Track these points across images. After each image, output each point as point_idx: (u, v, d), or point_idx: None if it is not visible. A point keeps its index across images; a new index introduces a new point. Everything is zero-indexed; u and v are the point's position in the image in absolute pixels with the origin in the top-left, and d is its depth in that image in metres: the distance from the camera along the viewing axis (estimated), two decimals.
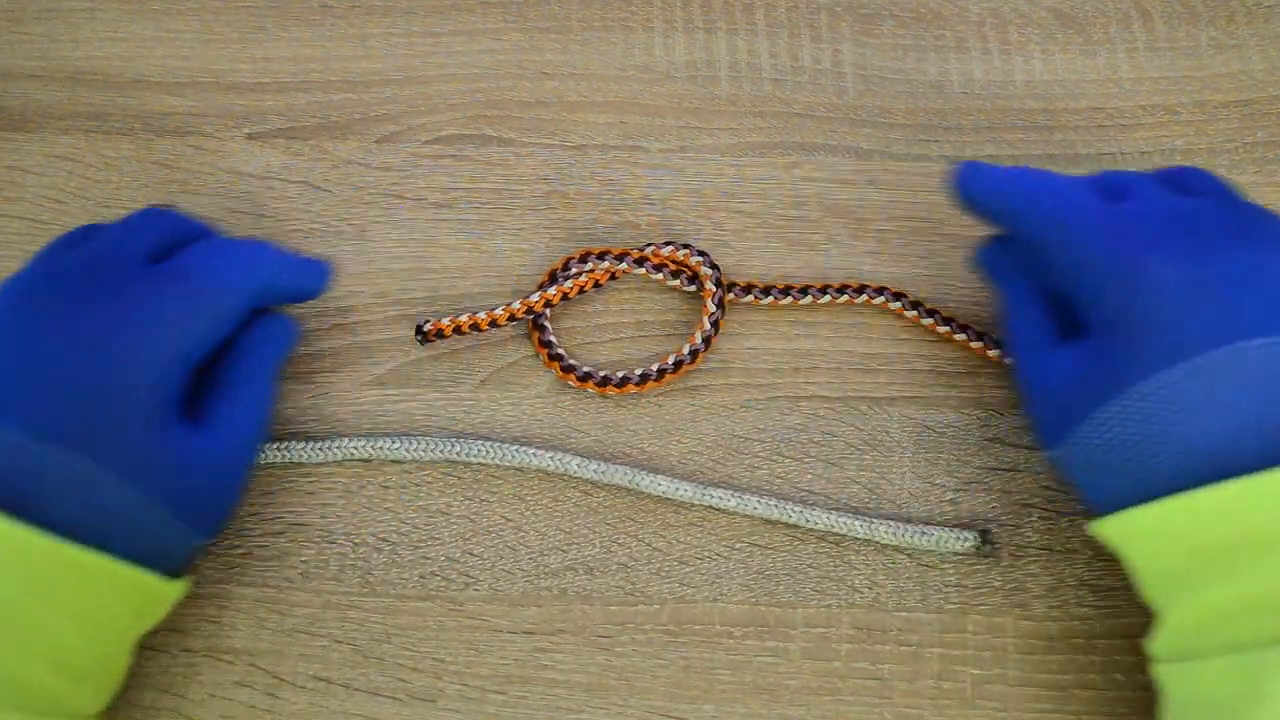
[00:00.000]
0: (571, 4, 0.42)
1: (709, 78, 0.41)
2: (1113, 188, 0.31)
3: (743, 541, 0.35)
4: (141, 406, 0.29)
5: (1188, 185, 0.31)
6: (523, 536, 0.35)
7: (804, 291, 0.37)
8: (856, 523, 0.34)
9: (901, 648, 0.34)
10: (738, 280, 0.37)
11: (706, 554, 0.35)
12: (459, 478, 0.36)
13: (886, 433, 0.36)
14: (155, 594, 0.30)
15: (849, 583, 0.35)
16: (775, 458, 0.36)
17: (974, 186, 0.33)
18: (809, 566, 0.35)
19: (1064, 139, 0.40)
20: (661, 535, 0.35)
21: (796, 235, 0.39)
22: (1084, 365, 0.30)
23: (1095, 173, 0.32)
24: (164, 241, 0.32)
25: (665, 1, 0.42)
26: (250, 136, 0.40)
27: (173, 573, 0.31)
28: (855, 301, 0.37)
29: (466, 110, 0.41)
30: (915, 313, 0.37)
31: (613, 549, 0.35)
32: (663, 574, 0.35)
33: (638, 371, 0.36)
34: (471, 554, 0.35)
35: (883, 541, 0.34)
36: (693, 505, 0.35)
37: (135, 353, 0.29)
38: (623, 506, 0.35)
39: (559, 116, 0.41)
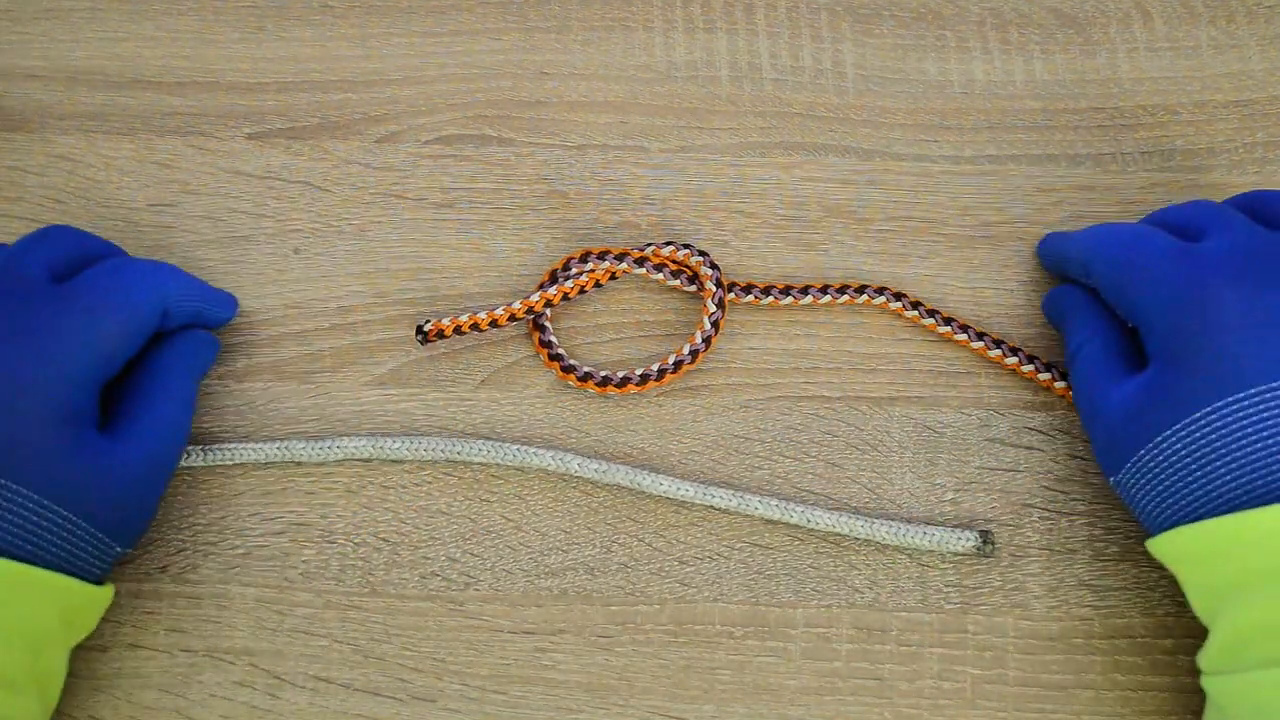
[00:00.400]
0: (571, 4, 0.42)
1: (709, 78, 0.41)
2: (1193, 224, 0.33)
3: (743, 541, 0.35)
4: (51, 425, 0.29)
5: (1268, 214, 0.33)
6: (523, 536, 0.35)
7: (804, 291, 0.37)
8: (858, 523, 0.34)
9: (901, 648, 0.34)
10: (738, 280, 0.37)
11: (706, 554, 0.35)
12: (459, 478, 0.36)
13: (887, 433, 0.36)
14: (82, 600, 0.30)
15: (849, 583, 0.35)
16: (775, 458, 0.36)
17: (1055, 247, 0.37)
18: (809, 566, 0.35)
19: (1064, 139, 0.40)
20: (661, 535, 0.35)
21: (796, 235, 0.39)
22: (1148, 393, 0.31)
23: (1169, 204, 0.34)
24: (67, 259, 0.33)
25: (665, 1, 0.42)
26: (250, 136, 0.40)
27: (95, 580, 0.31)
28: (855, 301, 0.37)
29: (466, 110, 0.41)
30: (915, 313, 0.37)
31: (613, 549, 0.35)
32: (663, 574, 0.35)
33: (638, 371, 0.36)
34: (472, 554, 0.35)
35: (883, 542, 0.34)
36: (693, 505, 0.35)
37: (40, 373, 0.29)
38: (623, 506, 0.35)
39: (559, 116, 0.41)
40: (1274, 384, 0.28)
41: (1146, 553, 0.35)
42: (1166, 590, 0.34)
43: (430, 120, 0.40)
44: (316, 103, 0.41)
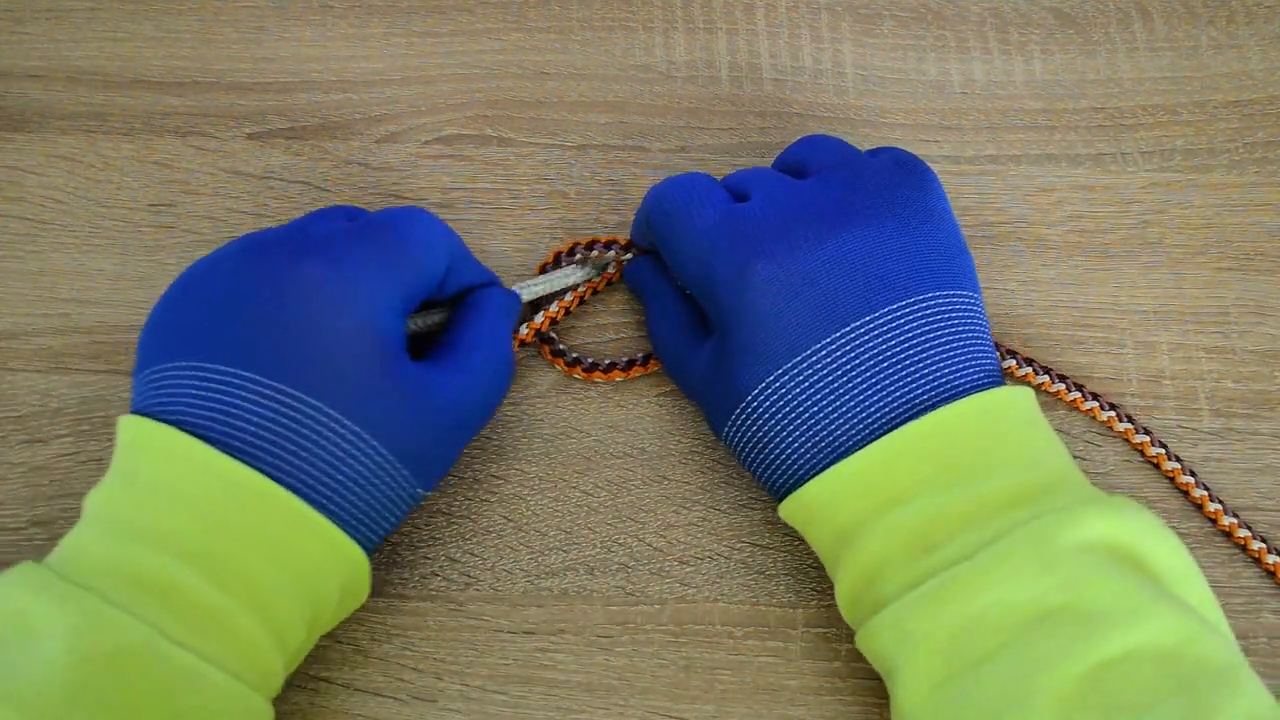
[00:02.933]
0: (571, 4, 0.42)
1: (709, 78, 0.41)
2: (741, 185, 0.33)
3: (743, 541, 0.35)
4: (368, 349, 0.29)
5: (807, 161, 0.33)
6: (523, 536, 0.35)
7: None
8: None
9: None
10: None
11: (707, 554, 0.35)
12: (459, 477, 0.36)
13: None
14: (358, 581, 0.30)
15: None
16: None
17: (641, 215, 0.35)
18: (809, 566, 0.35)
19: (1064, 139, 0.40)
20: (661, 535, 0.35)
21: None
22: (714, 365, 0.32)
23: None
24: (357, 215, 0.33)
25: (665, 1, 0.42)
26: (250, 136, 0.40)
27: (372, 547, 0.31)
28: None
29: (466, 110, 0.41)
30: None
31: (613, 549, 0.35)
32: (663, 574, 0.35)
33: (641, 353, 0.36)
34: (471, 554, 0.35)
35: None
36: (693, 505, 0.35)
37: (347, 297, 0.29)
38: (623, 506, 0.35)
39: (559, 116, 0.41)
40: (810, 350, 0.29)
41: None
42: None
43: (430, 120, 0.40)
44: (316, 103, 0.41)
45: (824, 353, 0.29)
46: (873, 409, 0.29)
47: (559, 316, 0.36)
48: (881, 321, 0.29)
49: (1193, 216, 0.39)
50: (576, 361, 0.36)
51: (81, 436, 0.36)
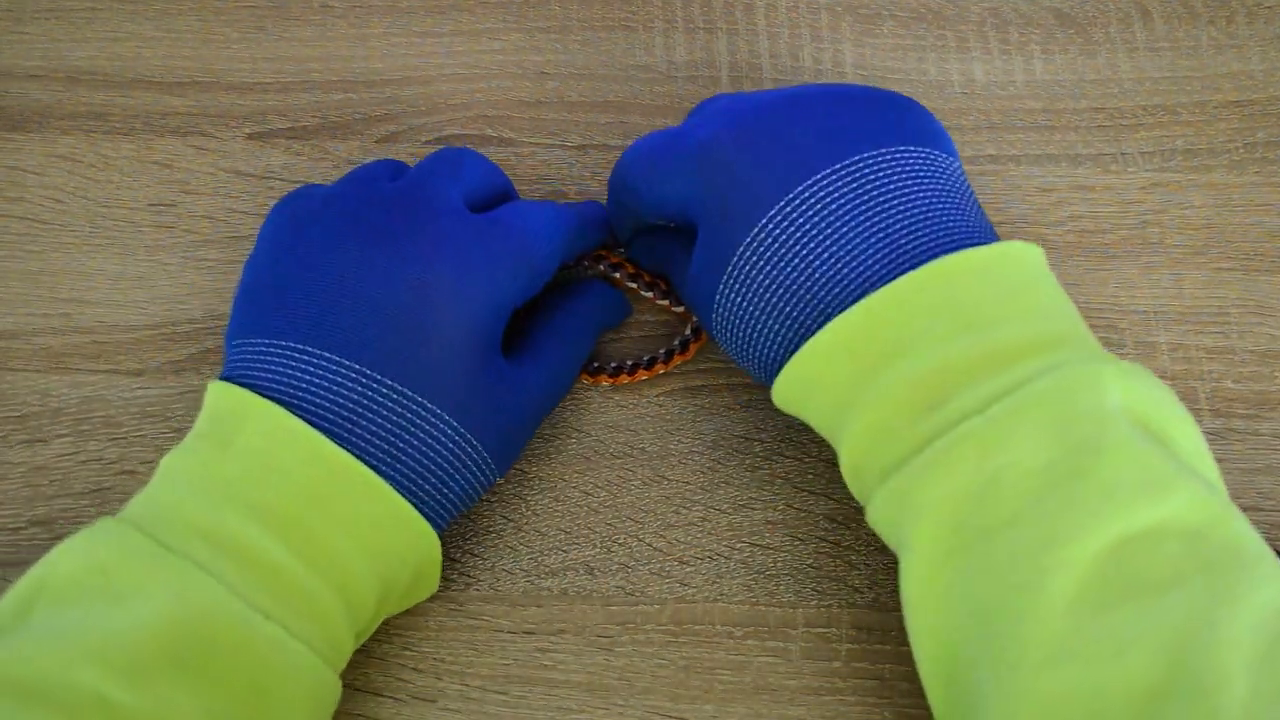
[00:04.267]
0: (571, 4, 0.42)
1: (709, 78, 0.41)
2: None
3: (743, 541, 0.35)
4: (468, 347, 0.30)
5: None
6: (523, 536, 0.35)
7: None
8: None
9: (901, 648, 0.34)
10: None
11: (706, 554, 0.35)
12: None
13: None
14: (429, 566, 0.31)
15: (849, 583, 0.35)
16: (776, 457, 0.36)
17: (610, 203, 0.35)
18: (809, 566, 0.35)
19: (1064, 139, 0.40)
20: (661, 535, 0.35)
21: None
22: (700, 260, 0.31)
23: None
24: (477, 188, 0.33)
25: (665, 1, 0.42)
26: (251, 136, 0.40)
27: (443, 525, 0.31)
28: None
29: (466, 110, 0.41)
30: None
31: (613, 549, 0.35)
32: (663, 574, 0.35)
33: (645, 356, 0.36)
34: (471, 554, 0.35)
35: None
36: (693, 505, 0.35)
37: (464, 296, 0.30)
38: (623, 506, 0.35)
39: (559, 116, 0.41)
40: (781, 203, 0.28)
41: None
42: None
43: (430, 120, 0.40)
44: (316, 103, 0.41)
45: (796, 203, 0.28)
46: (859, 262, 0.27)
47: None
48: (856, 167, 0.28)
49: (1193, 216, 0.39)
50: (599, 370, 0.36)
51: (81, 436, 0.36)
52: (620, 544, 0.35)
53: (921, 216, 0.28)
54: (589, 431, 0.36)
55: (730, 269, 0.29)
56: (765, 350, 0.30)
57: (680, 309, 0.37)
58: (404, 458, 0.29)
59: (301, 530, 0.27)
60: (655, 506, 0.35)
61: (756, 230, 0.29)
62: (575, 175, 0.40)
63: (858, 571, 0.35)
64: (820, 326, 0.28)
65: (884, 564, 0.35)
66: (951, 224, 0.28)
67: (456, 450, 0.30)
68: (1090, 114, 0.41)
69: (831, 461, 0.36)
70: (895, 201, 0.28)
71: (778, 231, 0.28)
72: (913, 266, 0.27)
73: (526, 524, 0.35)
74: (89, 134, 0.40)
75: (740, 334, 0.30)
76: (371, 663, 0.33)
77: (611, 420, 0.36)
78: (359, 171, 0.33)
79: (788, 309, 0.29)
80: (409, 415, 0.29)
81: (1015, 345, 0.26)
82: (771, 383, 0.30)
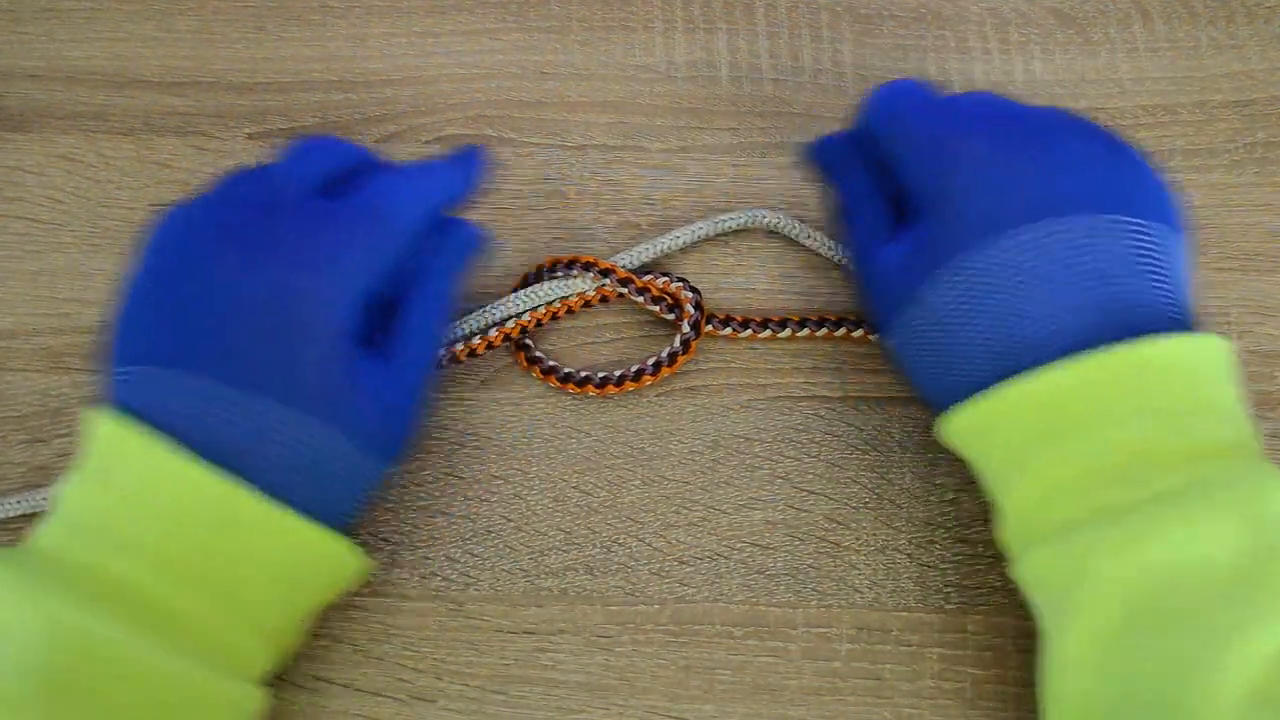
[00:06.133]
0: (571, 4, 0.42)
1: (709, 78, 0.41)
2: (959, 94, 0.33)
3: (743, 541, 0.35)
4: (327, 346, 0.29)
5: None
6: (523, 536, 0.35)
7: (782, 324, 0.37)
8: None
9: (901, 648, 0.34)
10: (717, 313, 0.37)
11: (706, 554, 0.35)
12: (459, 478, 0.36)
13: (887, 433, 0.36)
14: (347, 563, 0.30)
15: (849, 583, 0.35)
16: (776, 458, 0.36)
17: (872, 103, 0.34)
18: (809, 566, 0.35)
19: None
20: (661, 535, 0.35)
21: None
22: (913, 247, 0.31)
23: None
24: (334, 173, 0.32)
25: (665, 1, 0.42)
26: (250, 136, 0.40)
27: (350, 518, 0.31)
28: (834, 335, 0.37)
29: (466, 110, 0.41)
30: None
31: (613, 549, 0.35)
32: (663, 574, 0.35)
33: (616, 373, 0.36)
34: (471, 554, 0.35)
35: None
36: (693, 505, 0.35)
37: (318, 294, 0.29)
38: (623, 506, 0.35)
39: (559, 116, 0.41)
40: (1018, 230, 0.28)
41: None
42: None
43: (430, 120, 0.40)
44: (316, 103, 0.41)
45: (1041, 236, 0.28)
46: (1078, 319, 0.28)
47: (530, 325, 0.36)
48: (1107, 226, 0.28)
49: (1193, 216, 0.39)
50: (552, 370, 0.36)
51: (81, 436, 0.36)
52: (620, 544, 0.35)
53: (1147, 292, 0.28)
54: (589, 432, 0.36)
55: (946, 271, 0.29)
56: (953, 366, 0.30)
57: (672, 317, 0.37)
58: (279, 467, 0.28)
59: (181, 558, 0.27)
60: (655, 506, 0.35)
61: (989, 246, 0.29)
62: (575, 175, 0.40)
63: (858, 571, 0.35)
64: (1022, 369, 0.28)
65: (884, 564, 0.35)
66: (1167, 305, 0.29)
67: (329, 453, 0.29)
68: (1090, 114, 0.41)
69: (832, 461, 0.36)
70: (1127, 271, 0.28)
71: (1010, 256, 0.28)
72: (1124, 338, 0.27)
73: (526, 524, 0.35)
74: (89, 134, 0.40)
75: (928, 339, 0.30)
76: (371, 663, 0.33)
77: (611, 420, 0.36)
78: (222, 181, 0.32)
79: (990, 338, 0.29)
80: (280, 426, 0.28)
81: (1212, 445, 0.27)
82: (937, 396, 0.30)
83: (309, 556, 0.29)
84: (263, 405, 0.28)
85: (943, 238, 0.30)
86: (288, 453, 0.28)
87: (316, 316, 0.29)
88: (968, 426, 0.30)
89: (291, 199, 0.30)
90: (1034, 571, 0.29)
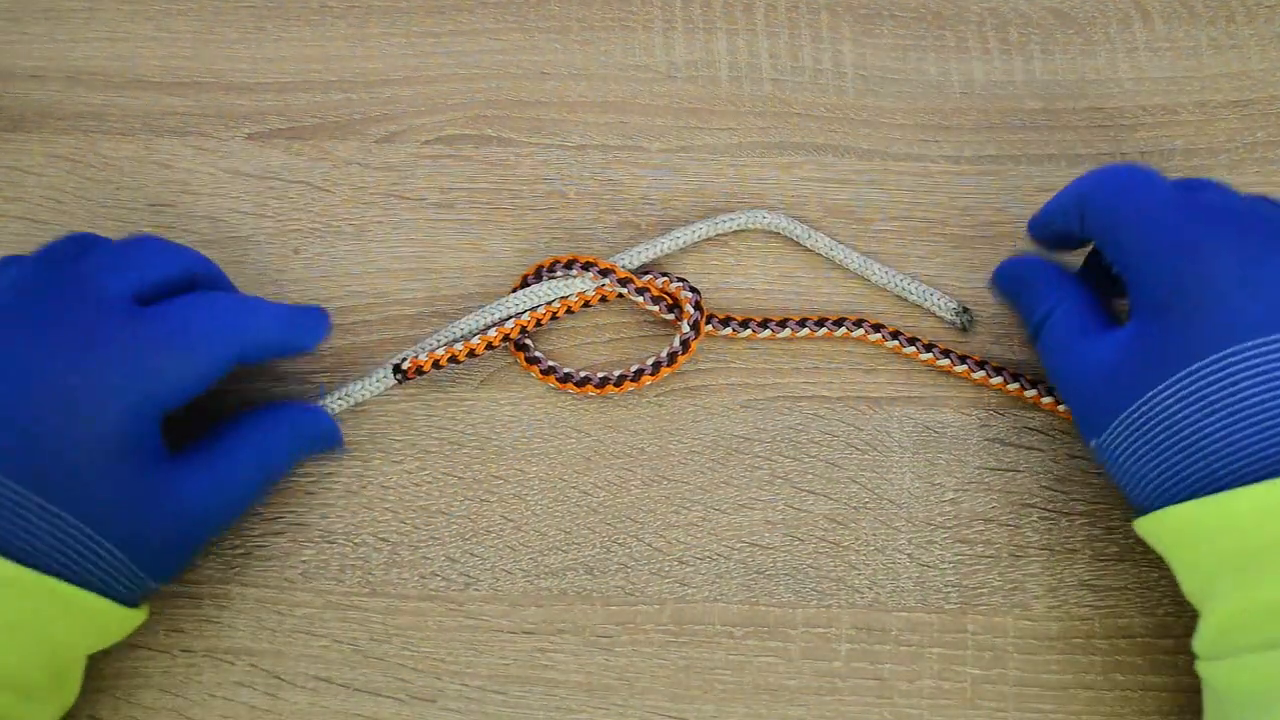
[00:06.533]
0: (571, 4, 0.42)
1: (709, 78, 0.41)
2: (1187, 181, 0.32)
3: (743, 541, 0.35)
4: (100, 451, 0.28)
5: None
6: (523, 536, 0.35)
7: (782, 324, 0.37)
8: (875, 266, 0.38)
9: (901, 648, 0.34)
10: (716, 313, 0.37)
11: (706, 554, 0.35)
12: (459, 477, 0.36)
13: (887, 433, 0.36)
14: (112, 620, 0.30)
15: (849, 583, 0.35)
16: (775, 458, 0.36)
17: (1048, 206, 0.34)
18: (809, 566, 0.35)
19: (1064, 139, 0.40)
20: (661, 535, 0.35)
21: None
22: (1136, 347, 0.30)
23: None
24: (154, 279, 0.31)
25: (665, 1, 0.42)
26: (250, 136, 0.40)
27: (129, 602, 0.30)
28: (834, 335, 0.37)
29: (466, 110, 0.41)
30: (896, 342, 0.36)
31: (613, 549, 0.35)
32: (663, 574, 0.35)
33: (616, 373, 0.36)
34: (472, 554, 0.35)
35: (875, 281, 0.38)
36: (693, 505, 0.35)
37: (108, 400, 0.28)
38: (623, 506, 0.35)
39: (559, 116, 0.41)
40: (1275, 335, 0.27)
41: (1146, 552, 0.35)
42: (1166, 590, 0.34)
43: (430, 120, 0.40)
44: (316, 103, 0.41)
45: None
46: None
47: (530, 325, 0.36)
48: None
49: None
50: (551, 370, 0.36)
51: None
52: (620, 544, 0.35)
53: None
54: (589, 431, 0.36)
55: (1187, 374, 0.28)
56: (1176, 466, 0.29)
57: (671, 317, 0.37)
58: (36, 548, 0.27)
59: None
60: (655, 506, 0.35)
61: (1237, 350, 0.27)
62: (575, 175, 0.40)
63: (857, 571, 0.35)
64: (1258, 478, 0.27)
65: (884, 564, 0.35)
66: None
67: (93, 554, 0.28)
68: (1090, 114, 0.41)
69: (831, 461, 0.36)
70: None
71: (1261, 361, 0.27)
72: None
73: (526, 524, 0.35)
74: (89, 134, 0.40)
75: (1150, 437, 0.29)
76: (371, 663, 0.33)
77: (611, 420, 0.36)
78: (42, 253, 0.31)
79: (1229, 440, 0.28)
80: (38, 517, 0.27)
81: None
82: (1145, 492, 0.30)
83: (59, 613, 0.28)
84: (16, 490, 0.27)
85: (1176, 342, 0.28)
86: (47, 540, 0.27)
87: (109, 421, 0.28)
88: (1184, 527, 0.29)
89: (95, 297, 0.29)
90: (1232, 677, 0.28)
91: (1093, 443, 0.31)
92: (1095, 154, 0.40)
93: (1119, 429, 0.30)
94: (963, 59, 0.42)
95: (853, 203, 0.39)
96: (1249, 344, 0.27)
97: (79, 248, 0.31)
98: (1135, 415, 0.29)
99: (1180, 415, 0.28)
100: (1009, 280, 0.36)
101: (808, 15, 0.42)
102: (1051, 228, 0.34)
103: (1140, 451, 0.29)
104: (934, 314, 0.37)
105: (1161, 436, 0.29)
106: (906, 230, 0.39)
